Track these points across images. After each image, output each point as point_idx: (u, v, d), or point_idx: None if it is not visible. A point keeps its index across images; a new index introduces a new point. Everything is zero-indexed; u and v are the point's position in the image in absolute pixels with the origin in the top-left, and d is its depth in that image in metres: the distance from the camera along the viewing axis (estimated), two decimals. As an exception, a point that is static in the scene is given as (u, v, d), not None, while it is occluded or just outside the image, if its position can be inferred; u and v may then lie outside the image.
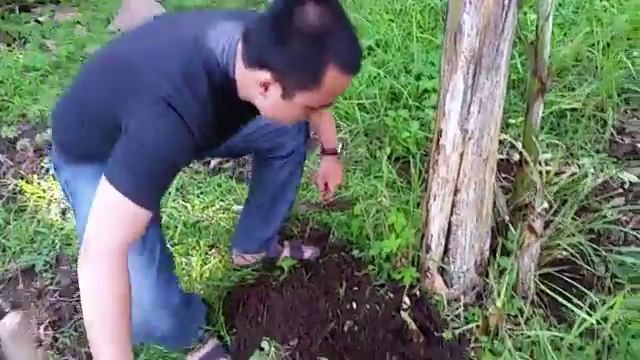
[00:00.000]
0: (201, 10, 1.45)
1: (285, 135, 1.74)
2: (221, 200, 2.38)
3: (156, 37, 1.22)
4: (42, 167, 2.65)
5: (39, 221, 2.35)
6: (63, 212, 2.40)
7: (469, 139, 1.40)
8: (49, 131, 2.87)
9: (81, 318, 1.94)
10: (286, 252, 2.08)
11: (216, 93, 1.18)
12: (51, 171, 1.34)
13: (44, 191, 2.49)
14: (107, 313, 1.08)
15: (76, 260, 2.17)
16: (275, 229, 2.00)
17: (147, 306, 1.37)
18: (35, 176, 2.58)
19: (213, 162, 2.60)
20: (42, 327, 1.92)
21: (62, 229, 2.30)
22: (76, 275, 2.08)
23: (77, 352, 1.84)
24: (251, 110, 1.24)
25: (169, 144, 1.11)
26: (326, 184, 1.89)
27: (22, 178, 2.57)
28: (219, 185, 2.47)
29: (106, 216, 1.10)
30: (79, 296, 2.02)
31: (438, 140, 1.49)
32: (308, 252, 2.10)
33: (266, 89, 1.14)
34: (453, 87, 1.38)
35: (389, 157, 2.43)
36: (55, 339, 1.89)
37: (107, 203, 1.09)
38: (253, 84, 1.14)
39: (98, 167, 1.19)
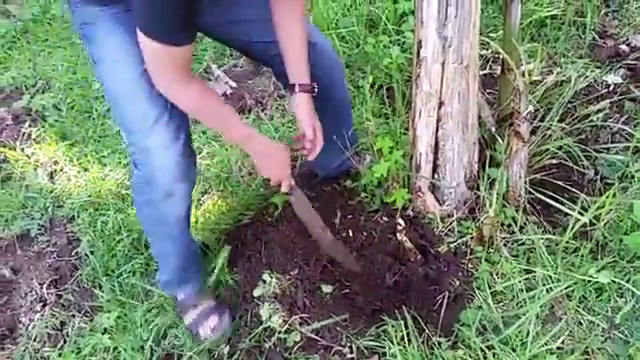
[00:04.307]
0: None
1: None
2: (208, 146, 2.36)
3: None
4: (23, 134, 2.60)
5: (28, 187, 2.33)
6: (51, 175, 2.38)
7: (449, 46, 1.38)
8: (25, 98, 2.81)
9: (81, 274, 1.96)
10: None
11: None
12: (64, 8, 1.45)
13: (28, 157, 2.46)
14: (212, 109, 1.43)
15: (70, 220, 2.18)
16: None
17: (172, 176, 1.45)
18: (17, 143, 2.54)
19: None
20: (44, 286, 1.94)
21: (52, 192, 2.29)
22: (72, 234, 2.10)
23: (82, 306, 1.87)
24: None
25: None
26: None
27: (4, 146, 2.53)
28: (204, 132, 2.44)
29: (154, 63, 1.28)
30: (77, 254, 2.04)
31: (419, 53, 1.47)
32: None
33: None
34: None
35: (372, 86, 2.40)
36: (59, 296, 1.92)
37: (148, 53, 1.24)
38: None
39: (116, 12, 1.36)
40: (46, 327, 1.83)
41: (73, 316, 1.85)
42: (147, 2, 1.18)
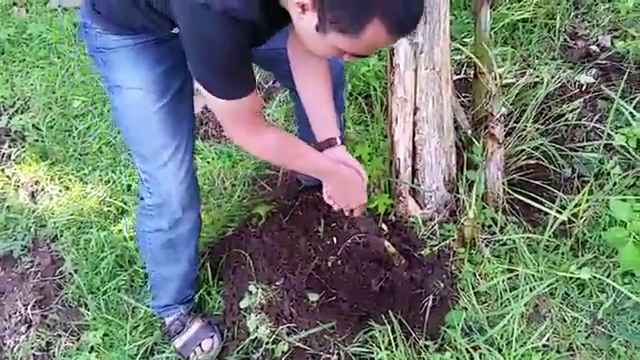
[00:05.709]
0: None
1: None
2: (190, 160, 2.37)
3: None
4: (3, 154, 2.58)
5: (9, 207, 2.31)
6: (32, 195, 2.36)
7: (420, 53, 1.41)
8: (3, 118, 2.79)
9: (66, 293, 1.95)
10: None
11: None
12: (82, 33, 1.43)
13: (9, 177, 2.44)
14: (292, 154, 1.41)
15: (53, 240, 2.16)
16: None
17: (182, 204, 1.50)
18: (-3, 164, 2.52)
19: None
20: (29, 307, 1.92)
21: (34, 212, 2.27)
22: (55, 254, 2.08)
23: (67, 325, 1.85)
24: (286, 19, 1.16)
25: (224, 33, 1.10)
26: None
27: (-16, 168, 2.51)
28: (186, 146, 2.44)
29: (225, 118, 1.30)
30: (61, 273, 2.03)
31: (392, 60, 1.49)
32: None
33: (303, 11, 1.05)
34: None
35: (351, 94, 2.42)
36: (44, 317, 1.90)
37: (219, 109, 1.25)
38: (292, 0, 1.06)
39: (136, 44, 1.35)
40: (32, 348, 1.81)
41: (59, 336, 1.83)
42: (202, 60, 1.17)
